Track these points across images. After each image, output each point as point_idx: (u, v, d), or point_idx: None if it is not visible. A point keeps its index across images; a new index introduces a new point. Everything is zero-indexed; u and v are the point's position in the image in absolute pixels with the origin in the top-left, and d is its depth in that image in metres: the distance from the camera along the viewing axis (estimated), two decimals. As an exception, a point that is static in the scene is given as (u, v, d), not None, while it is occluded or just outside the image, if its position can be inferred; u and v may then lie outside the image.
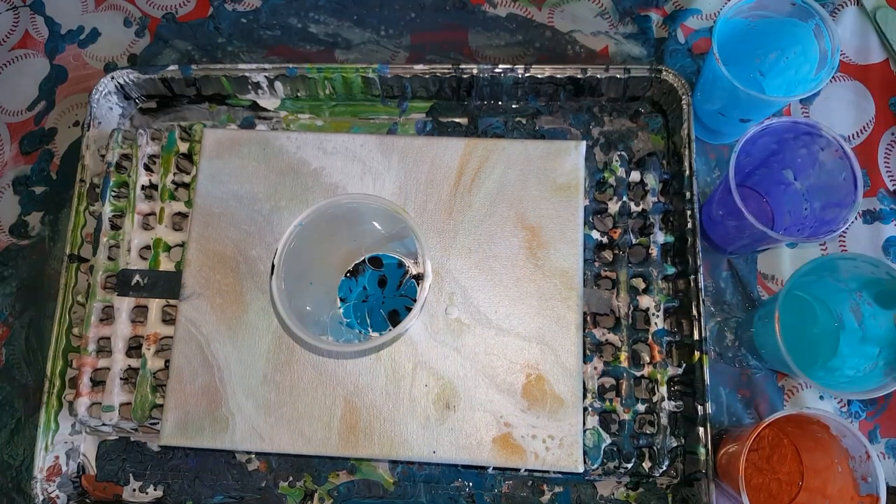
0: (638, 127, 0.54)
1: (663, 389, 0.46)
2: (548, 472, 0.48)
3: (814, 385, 0.46)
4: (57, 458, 0.49)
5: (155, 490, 0.50)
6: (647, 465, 0.46)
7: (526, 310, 0.45)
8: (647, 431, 0.47)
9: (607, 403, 0.46)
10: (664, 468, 0.46)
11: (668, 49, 0.56)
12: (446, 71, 0.52)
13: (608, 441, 0.46)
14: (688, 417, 0.46)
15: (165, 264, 0.50)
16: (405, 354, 0.45)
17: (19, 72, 0.60)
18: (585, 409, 0.46)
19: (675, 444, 0.46)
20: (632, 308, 0.48)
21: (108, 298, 0.49)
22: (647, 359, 0.48)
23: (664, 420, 0.46)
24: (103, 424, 0.48)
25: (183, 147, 0.52)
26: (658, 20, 0.57)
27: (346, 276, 0.50)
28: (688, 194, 0.49)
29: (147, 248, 0.50)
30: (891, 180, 0.53)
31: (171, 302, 0.48)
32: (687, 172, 0.49)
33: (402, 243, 0.48)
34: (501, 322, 0.45)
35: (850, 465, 0.41)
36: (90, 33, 0.60)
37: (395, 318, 0.49)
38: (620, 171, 0.50)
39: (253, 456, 0.50)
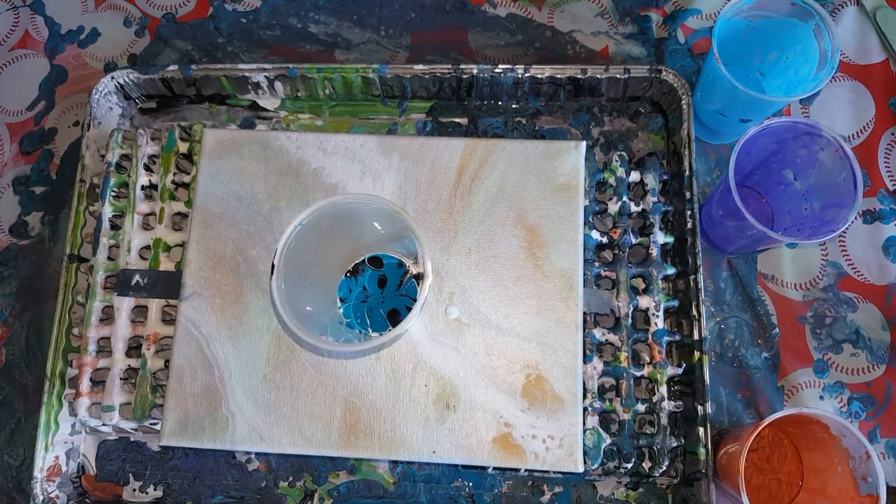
0: (638, 127, 0.54)
1: (663, 389, 0.46)
2: (548, 472, 0.48)
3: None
4: (57, 458, 0.48)
5: (155, 490, 0.50)
6: (647, 465, 0.46)
7: (526, 310, 0.45)
8: (647, 431, 0.47)
9: (607, 403, 0.46)
10: (664, 468, 0.46)
11: (668, 49, 0.56)
12: (446, 71, 0.52)
13: (608, 441, 0.46)
14: (688, 417, 0.46)
15: (165, 264, 0.50)
16: (405, 354, 0.45)
17: (19, 72, 0.60)
18: (585, 409, 0.46)
19: (675, 444, 0.46)
20: (632, 308, 0.48)
21: (108, 298, 0.49)
22: (647, 359, 0.48)
23: (664, 420, 0.46)
24: (103, 424, 0.48)
25: (183, 147, 0.52)
26: (658, 20, 0.57)
27: (346, 276, 0.50)
28: (688, 194, 0.49)
29: (147, 248, 0.50)
30: (891, 180, 0.53)
31: (171, 302, 0.48)
32: (687, 172, 0.49)
33: (402, 243, 0.48)
34: (501, 322, 0.45)
35: (850, 465, 0.41)
36: (90, 33, 0.60)
37: (395, 318, 0.49)
38: (620, 172, 0.50)
39: (253, 456, 0.50)
